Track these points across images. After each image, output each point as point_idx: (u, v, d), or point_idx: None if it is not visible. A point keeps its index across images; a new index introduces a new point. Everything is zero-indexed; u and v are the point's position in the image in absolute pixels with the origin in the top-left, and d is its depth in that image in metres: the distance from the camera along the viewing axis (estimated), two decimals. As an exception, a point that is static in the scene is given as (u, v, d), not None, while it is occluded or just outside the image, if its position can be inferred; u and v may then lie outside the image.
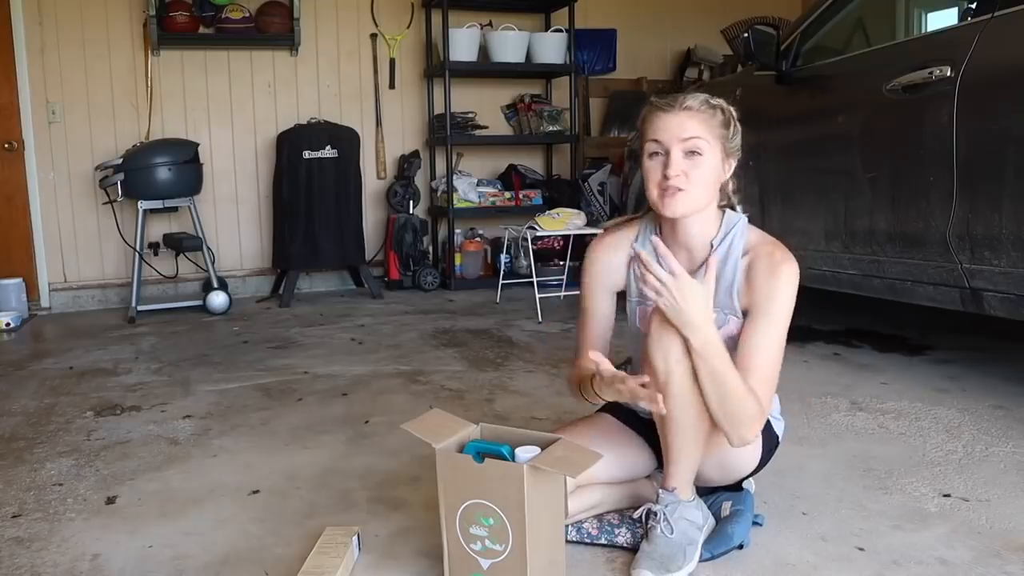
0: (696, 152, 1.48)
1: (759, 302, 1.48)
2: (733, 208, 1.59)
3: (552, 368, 2.96)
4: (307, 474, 1.99)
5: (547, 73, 5.31)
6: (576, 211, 4.47)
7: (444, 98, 4.90)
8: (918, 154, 2.38)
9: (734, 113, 1.55)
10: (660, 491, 1.50)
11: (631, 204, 3.74)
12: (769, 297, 1.47)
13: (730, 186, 1.59)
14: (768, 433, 1.60)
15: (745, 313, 1.51)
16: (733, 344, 1.48)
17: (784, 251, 1.52)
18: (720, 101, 1.54)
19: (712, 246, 1.54)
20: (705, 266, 1.44)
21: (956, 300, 2.39)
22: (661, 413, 1.40)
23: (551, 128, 5.19)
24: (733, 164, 1.55)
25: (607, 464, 1.55)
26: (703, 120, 1.49)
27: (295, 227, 4.60)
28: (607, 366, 1.40)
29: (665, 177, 1.47)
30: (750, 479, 1.67)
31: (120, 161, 4.28)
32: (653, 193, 1.51)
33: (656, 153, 1.50)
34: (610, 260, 1.64)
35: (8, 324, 4.08)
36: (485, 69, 5.10)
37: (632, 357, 1.69)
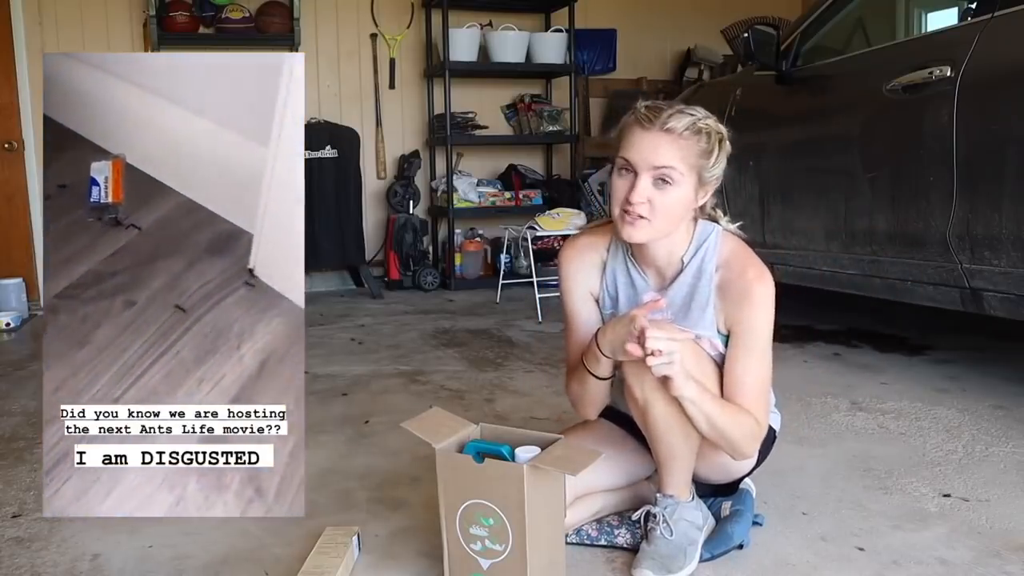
0: (666, 181, 1.39)
1: (737, 330, 1.45)
2: (715, 220, 1.52)
3: (552, 368, 2.96)
4: (307, 474, 1.98)
5: (547, 73, 5.30)
6: (576, 211, 4.47)
7: (444, 98, 4.90)
8: (918, 154, 2.38)
9: (725, 135, 1.43)
10: (658, 495, 1.49)
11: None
12: (748, 325, 1.44)
13: (707, 206, 1.50)
14: (765, 428, 1.60)
15: (723, 331, 1.49)
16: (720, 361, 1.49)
17: (757, 267, 1.47)
18: (709, 124, 1.41)
19: (683, 263, 1.49)
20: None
21: (956, 300, 2.39)
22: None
23: (551, 128, 5.19)
24: (709, 191, 1.45)
25: (608, 472, 1.55)
26: (682, 148, 1.38)
27: (295, 227, 4.59)
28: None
29: (628, 201, 1.39)
30: (750, 479, 1.67)
31: (120, 161, 4.27)
32: (615, 211, 1.43)
33: (625, 170, 1.41)
34: (583, 260, 1.58)
35: (8, 324, 4.07)
36: (485, 69, 5.09)
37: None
